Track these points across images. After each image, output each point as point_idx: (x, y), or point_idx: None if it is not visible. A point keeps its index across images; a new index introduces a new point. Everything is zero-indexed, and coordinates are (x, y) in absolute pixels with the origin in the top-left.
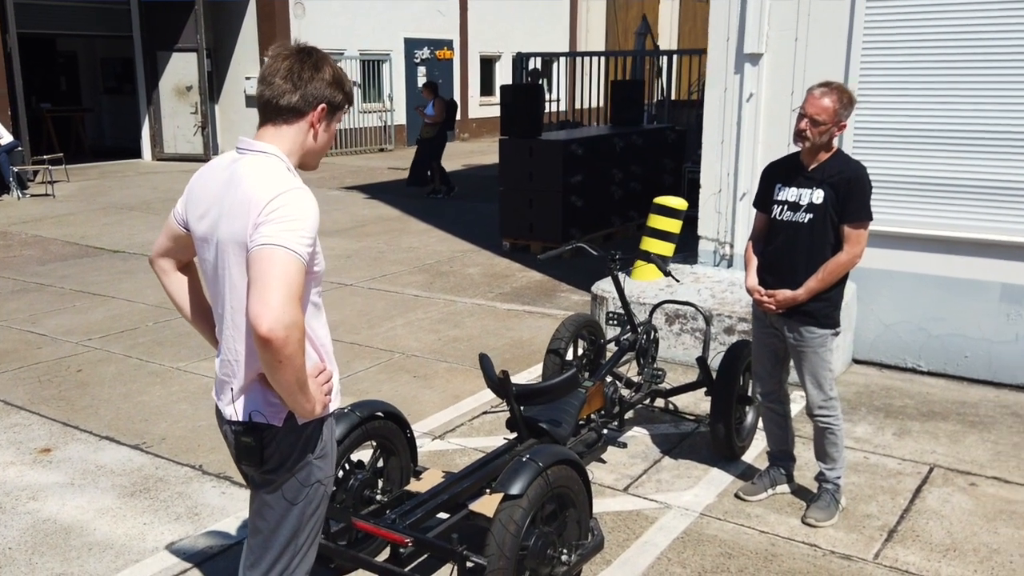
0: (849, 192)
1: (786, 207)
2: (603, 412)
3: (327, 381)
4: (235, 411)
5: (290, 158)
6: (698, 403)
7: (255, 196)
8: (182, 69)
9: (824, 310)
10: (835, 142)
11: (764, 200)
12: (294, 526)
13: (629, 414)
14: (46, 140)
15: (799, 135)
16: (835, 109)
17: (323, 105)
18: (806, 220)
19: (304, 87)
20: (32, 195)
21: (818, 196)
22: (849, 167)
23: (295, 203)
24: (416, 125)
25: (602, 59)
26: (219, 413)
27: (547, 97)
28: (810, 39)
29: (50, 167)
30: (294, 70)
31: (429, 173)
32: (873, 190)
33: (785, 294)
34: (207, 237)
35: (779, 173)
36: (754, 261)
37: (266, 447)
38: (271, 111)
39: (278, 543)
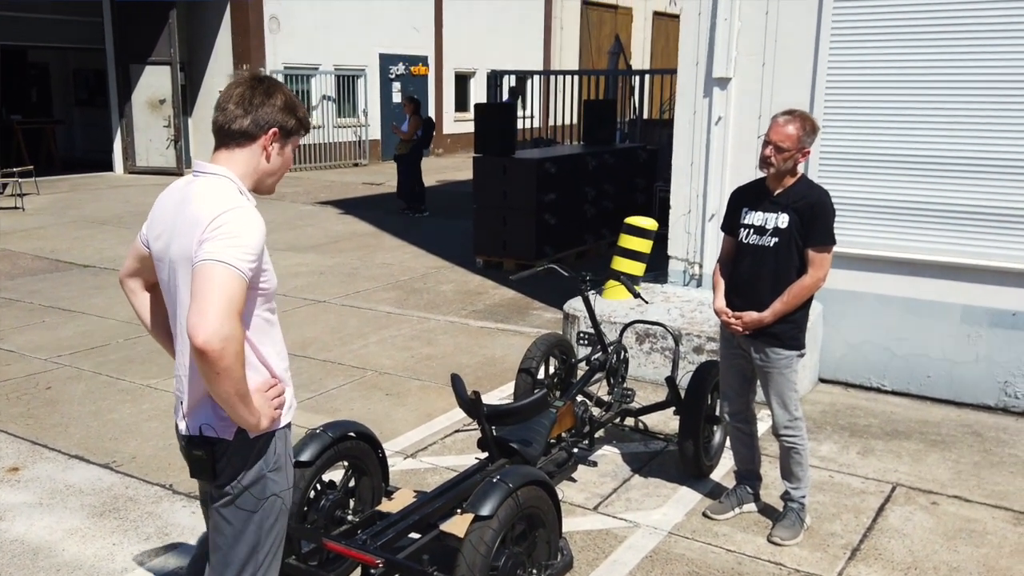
0: (813, 217)
1: (752, 231)
2: (574, 431)
3: (278, 396)
4: (186, 425)
5: (244, 180)
6: (667, 422)
7: (201, 215)
8: (155, 82)
9: (790, 332)
10: (800, 168)
11: (731, 224)
12: (253, 541)
13: (599, 433)
14: (16, 152)
15: (764, 162)
16: (798, 136)
17: (274, 129)
18: (772, 244)
19: (255, 112)
20: (1, 208)
21: (783, 221)
22: (813, 192)
23: (238, 221)
24: (391, 141)
25: (575, 77)
26: (177, 428)
27: (521, 114)
28: (777, 64)
29: (20, 180)
30: (246, 96)
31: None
32: (838, 213)
33: (752, 316)
34: (161, 256)
35: (745, 197)
36: (721, 283)
37: (218, 461)
38: (224, 135)
39: (238, 559)
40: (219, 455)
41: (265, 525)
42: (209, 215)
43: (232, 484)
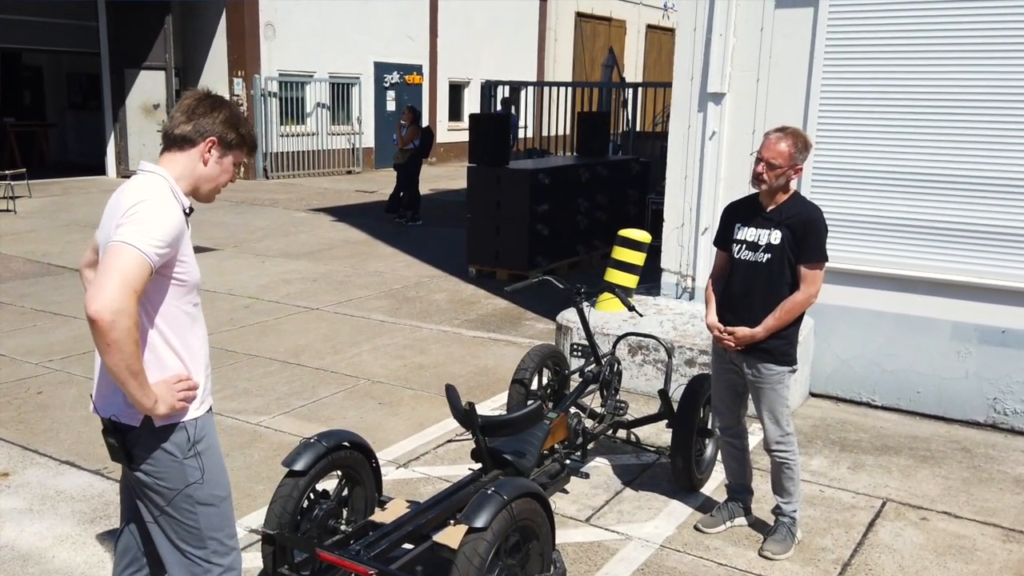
0: (805, 234)
1: (745, 246)
2: (567, 443)
3: (186, 390)
4: (99, 412)
5: (180, 182)
6: (659, 435)
7: (122, 204)
8: (150, 87)
9: (781, 348)
10: (793, 184)
11: (724, 239)
12: (192, 527)
13: (591, 445)
14: (8, 155)
15: (756, 178)
16: (790, 153)
17: (213, 138)
18: (764, 260)
19: (197, 120)
20: None
21: (776, 237)
22: (806, 209)
23: (151, 210)
24: (385, 149)
25: (569, 89)
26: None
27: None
28: (771, 80)
29: (12, 182)
30: (191, 107)
31: (400, 197)
32: (831, 229)
33: (744, 331)
34: (100, 244)
35: (738, 213)
36: (713, 298)
37: (132, 447)
38: (168, 140)
39: (184, 545)
40: (132, 443)
41: (199, 510)
42: (128, 203)
43: (152, 475)
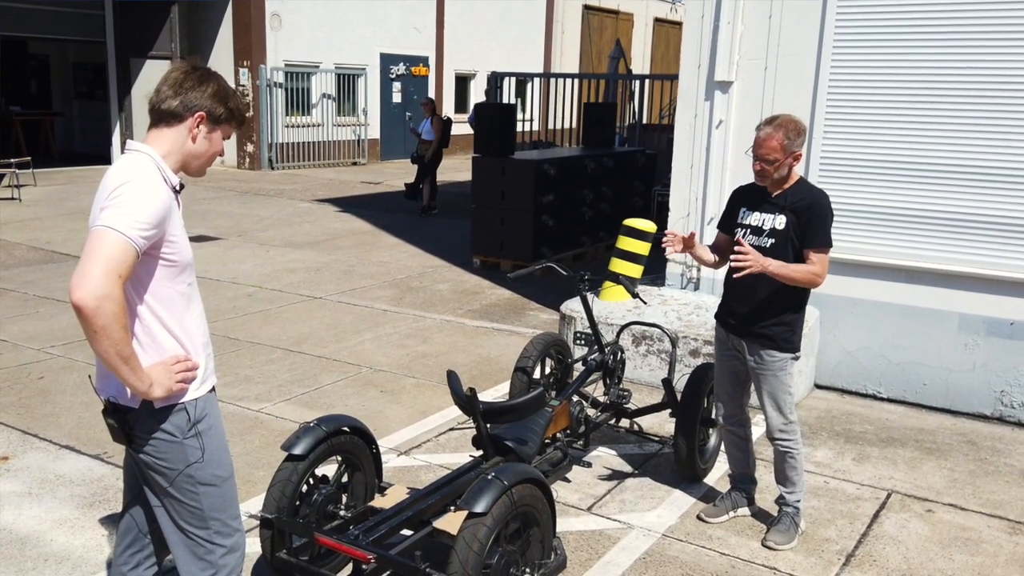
0: (810, 218)
1: (749, 231)
2: (569, 431)
3: (184, 371)
4: (99, 392)
5: (169, 159)
6: (662, 424)
7: (106, 186)
8: (156, 76)
9: (783, 334)
10: (797, 170)
11: (728, 223)
12: (194, 506)
13: (594, 433)
14: (14, 143)
15: (758, 175)
16: (783, 145)
17: (201, 113)
18: (768, 244)
19: (184, 95)
20: None
21: (780, 222)
22: (811, 194)
23: (134, 191)
24: (391, 141)
25: (576, 81)
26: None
27: (520, 117)
28: (779, 68)
29: (17, 171)
30: (179, 80)
31: (420, 188)
32: (838, 219)
33: (758, 256)
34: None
35: (745, 198)
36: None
37: (131, 428)
38: (155, 115)
39: (187, 525)
40: (132, 423)
41: (201, 491)
42: (112, 186)
43: (155, 456)
